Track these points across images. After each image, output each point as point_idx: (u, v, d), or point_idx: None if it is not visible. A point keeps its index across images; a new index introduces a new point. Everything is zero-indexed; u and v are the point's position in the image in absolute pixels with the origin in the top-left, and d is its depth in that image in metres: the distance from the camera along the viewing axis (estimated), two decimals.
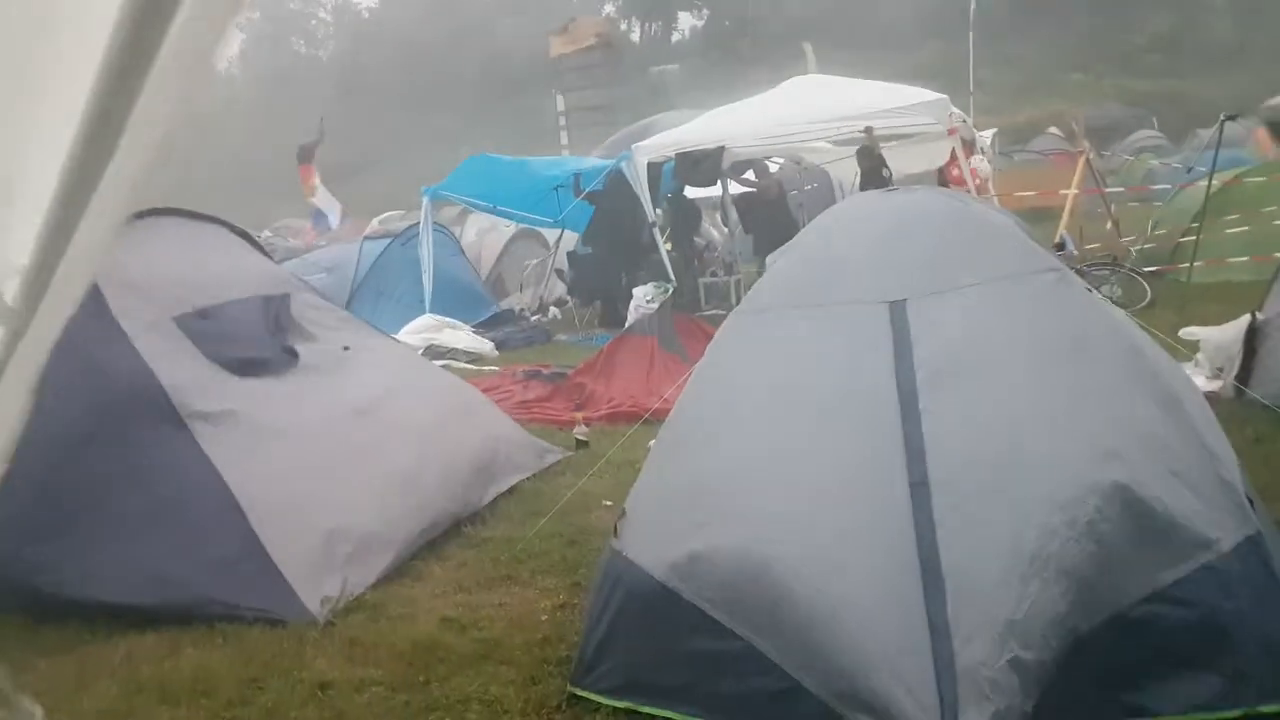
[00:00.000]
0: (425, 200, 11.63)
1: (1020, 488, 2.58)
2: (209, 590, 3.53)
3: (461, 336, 9.96)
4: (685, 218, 12.19)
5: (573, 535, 4.35)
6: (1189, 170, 11.47)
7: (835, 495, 2.69)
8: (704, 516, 2.88)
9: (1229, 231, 9.86)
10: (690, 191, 11.95)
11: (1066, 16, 39.31)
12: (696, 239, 12.81)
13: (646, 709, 2.77)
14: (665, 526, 2.97)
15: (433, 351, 9.56)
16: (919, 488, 2.60)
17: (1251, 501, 2.72)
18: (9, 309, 0.83)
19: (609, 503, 4.60)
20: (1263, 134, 15.85)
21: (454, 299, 11.15)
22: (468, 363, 9.51)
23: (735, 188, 12.04)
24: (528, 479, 5.23)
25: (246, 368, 4.24)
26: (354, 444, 4.36)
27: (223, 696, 3.03)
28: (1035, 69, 35.88)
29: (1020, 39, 37.60)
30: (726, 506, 2.84)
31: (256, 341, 4.45)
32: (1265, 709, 2.45)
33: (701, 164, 10.85)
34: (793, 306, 3.28)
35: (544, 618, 3.55)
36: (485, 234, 14.60)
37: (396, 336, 9.43)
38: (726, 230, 12.56)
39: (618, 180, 10.83)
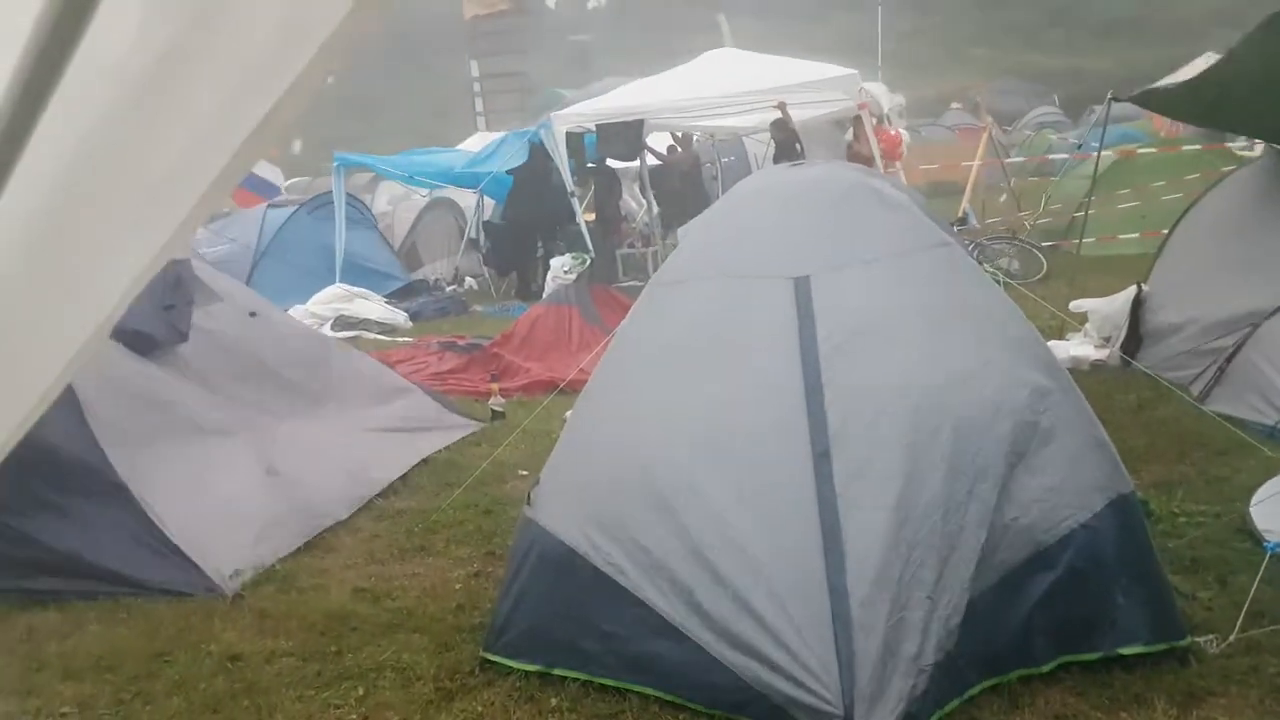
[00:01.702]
0: (337, 168, 11.35)
1: (918, 452, 2.72)
2: (112, 566, 3.45)
3: (373, 307, 9.79)
4: (606, 188, 12.19)
5: (487, 505, 4.38)
6: (1079, 146, 11.97)
7: (742, 464, 2.78)
8: (615, 484, 2.95)
9: (1120, 207, 10.36)
10: (611, 163, 11.95)
11: None
12: (617, 209, 12.82)
13: (557, 671, 2.83)
14: (578, 493, 3.04)
15: (343, 322, 9.38)
16: (822, 458, 2.70)
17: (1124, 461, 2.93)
18: None
19: (524, 472, 4.64)
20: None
21: (364, 270, 10.93)
22: (380, 334, 9.36)
23: (651, 160, 12.10)
24: (442, 450, 5.22)
25: (136, 342, 4.11)
26: (251, 420, 4.29)
27: (129, 671, 2.99)
28: (941, 44, 36.76)
29: (926, 14, 38.44)
30: (637, 473, 2.91)
31: (148, 316, 4.31)
32: (1125, 650, 2.71)
33: (622, 135, 10.85)
34: (705, 279, 3.34)
35: (458, 586, 3.59)
36: (398, 202, 14.32)
37: (304, 307, 9.27)
38: (645, 202, 12.60)
39: (536, 150, 10.76)
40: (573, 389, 4.59)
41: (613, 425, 3.15)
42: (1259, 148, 7.21)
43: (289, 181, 19.31)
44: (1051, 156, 15.41)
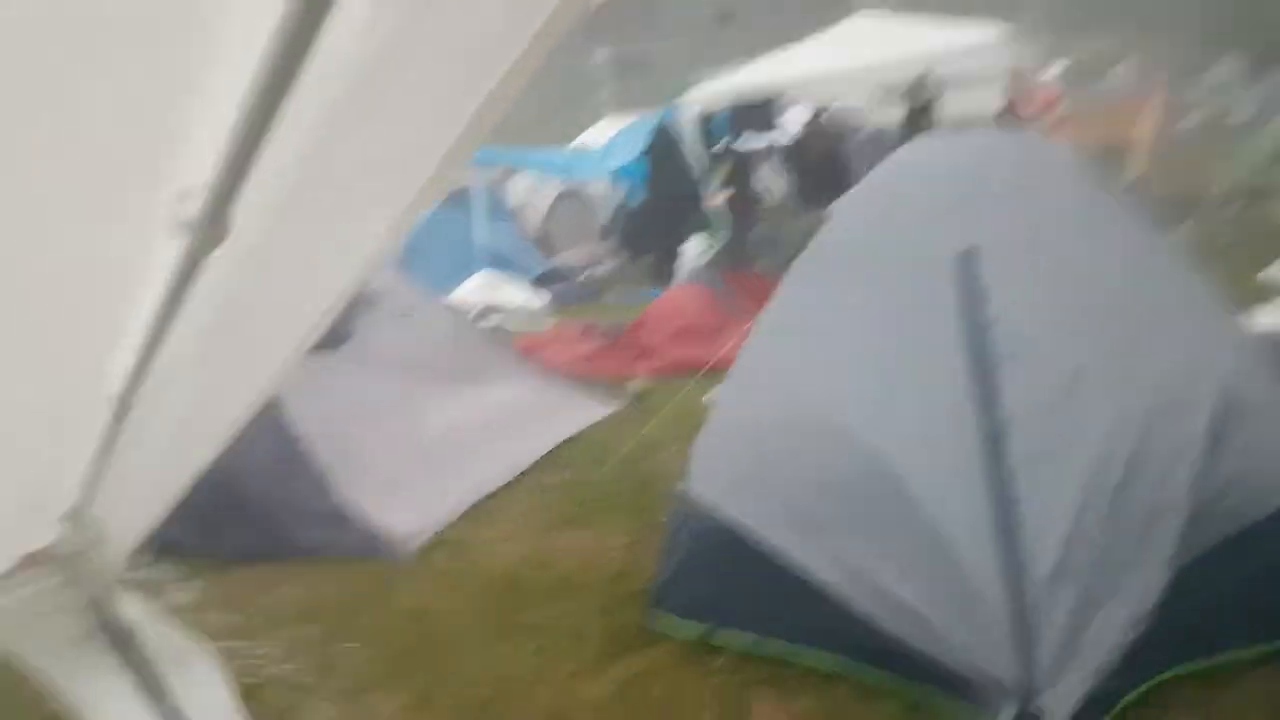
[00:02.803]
0: (473, 164, 11.89)
1: (1105, 434, 2.65)
2: (311, 538, 3.96)
3: (517, 293, 10.25)
4: (740, 169, 12.26)
5: (639, 480, 4.60)
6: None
7: (909, 444, 2.77)
8: (777, 460, 3.03)
9: None
10: (746, 141, 12.01)
11: None
12: (752, 189, 12.86)
13: (721, 634, 2.99)
14: (737, 469, 3.13)
15: (489, 309, 9.85)
16: (996, 439, 2.66)
17: None
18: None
19: (673, 448, 4.82)
20: None
21: (503, 260, 11.45)
22: (523, 321, 9.79)
23: (788, 136, 12.07)
24: (588, 430, 5.50)
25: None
26: (412, 403, 4.72)
27: (326, 621, 3.40)
28: None
29: None
30: (800, 450, 2.98)
31: None
32: None
33: (757, 115, 10.88)
34: (858, 256, 3.33)
35: (615, 556, 3.81)
36: (531, 193, 14.84)
37: (454, 295, 9.81)
38: (780, 180, 12.59)
39: (666, 134, 10.96)
40: (714, 371, 4.74)
41: (769, 404, 3.19)
42: None
43: None
44: (1232, 119, 14.45)
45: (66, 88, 0.61)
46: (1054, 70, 13.79)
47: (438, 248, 11.50)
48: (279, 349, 1.24)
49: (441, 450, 4.54)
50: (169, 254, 0.77)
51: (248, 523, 3.93)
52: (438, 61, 0.77)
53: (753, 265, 10.31)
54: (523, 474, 4.80)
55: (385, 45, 0.69)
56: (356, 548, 3.89)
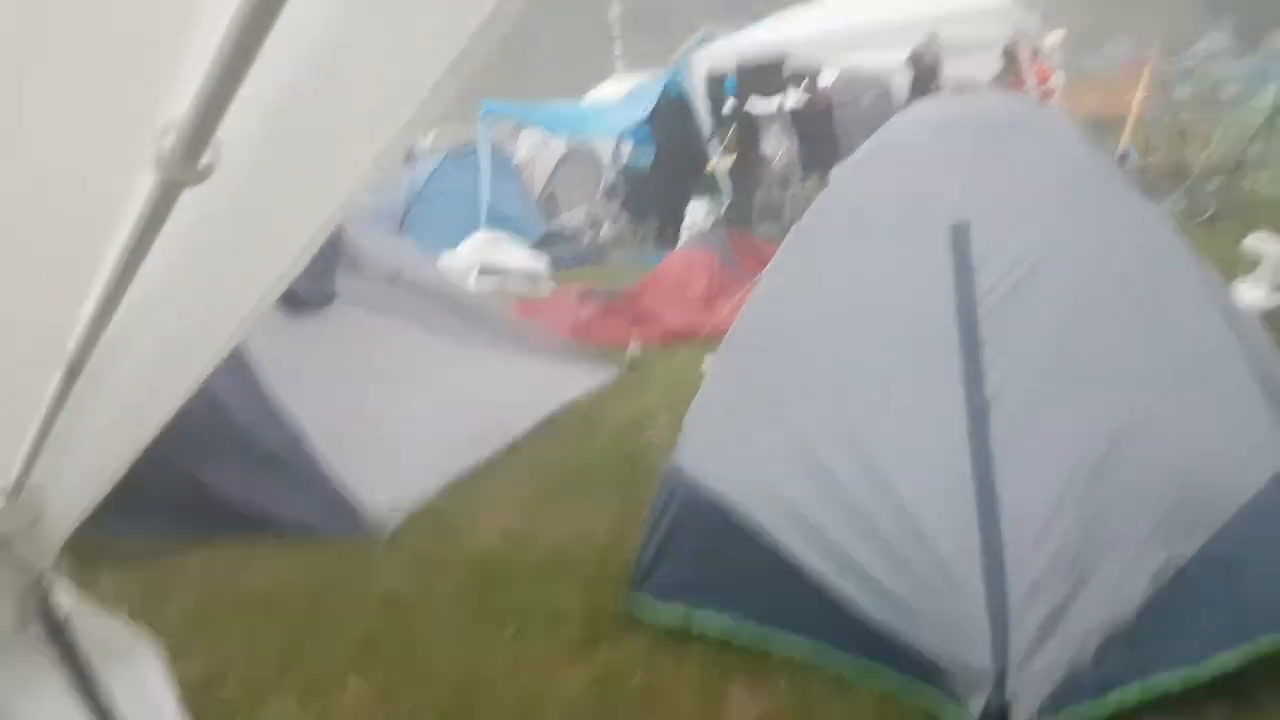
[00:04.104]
0: (484, 115, 11.53)
1: (1083, 418, 2.53)
2: (285, 512, 3.67)
3: (516, 253, 9.96)
4: (746, 132, 11.89)
5: (628, 452, 4.41)
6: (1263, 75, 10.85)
7: (894, 420, 2.67)
8: (763, 432, 2.89)
9: None
10: (754, 104, 11.63)
11: None
12: (758, 153, 12.53)
13: (700, 615, 2.83)
14: (723, 443, 2.99)
15: (487, 268, 9.59)
16: (978, 416, 2.56)
17: None
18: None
19: (665, 419, 4.64)
20: None
21: (505, 218, 11.15)
22: (521, 282, 9.55)
23: (793, 100, 11.69)
24: (582, 398, 5.29)
25: (291, 304, 4.31)
26: (401, 368, 4.47)
27: (293, 610, 3.17)
28: None
29: None
30: (785, 423, 2.85)
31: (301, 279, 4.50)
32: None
33: (763, 76, 10.50)
34: (854, 223, 3.18)
35: (602, 530, 3.63)
36: (538, 151, 14.47)
37: (452, 252, 9.54)
38: (785, 144, 12.21)
39: (673, 95, 10.60)
40: (712, 337, 4.56)
41: (760, 375, 3.07)
42: None
43: (435, 130, 19.77)
44: (1222, 89, 14.04)
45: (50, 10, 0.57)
46: (1052, 39, 13.32)
47: (442, 203, 11.23)
48: (245, 300, 1.10)
49: (426, 419, 4.24)
50: (143, 194, 0.71)
51: (210, 492, 3.64)
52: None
53: (756, 229, 10.05)
54: (512, 445, 4.59)
55: None
56: (331, 522, 3.62)
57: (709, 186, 10.38)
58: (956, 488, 2.49)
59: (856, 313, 2.95)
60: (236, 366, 3.75)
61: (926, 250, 2.89)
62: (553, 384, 5.19)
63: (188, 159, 0.64)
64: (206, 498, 3.66)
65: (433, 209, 11.19)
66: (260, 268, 1.02)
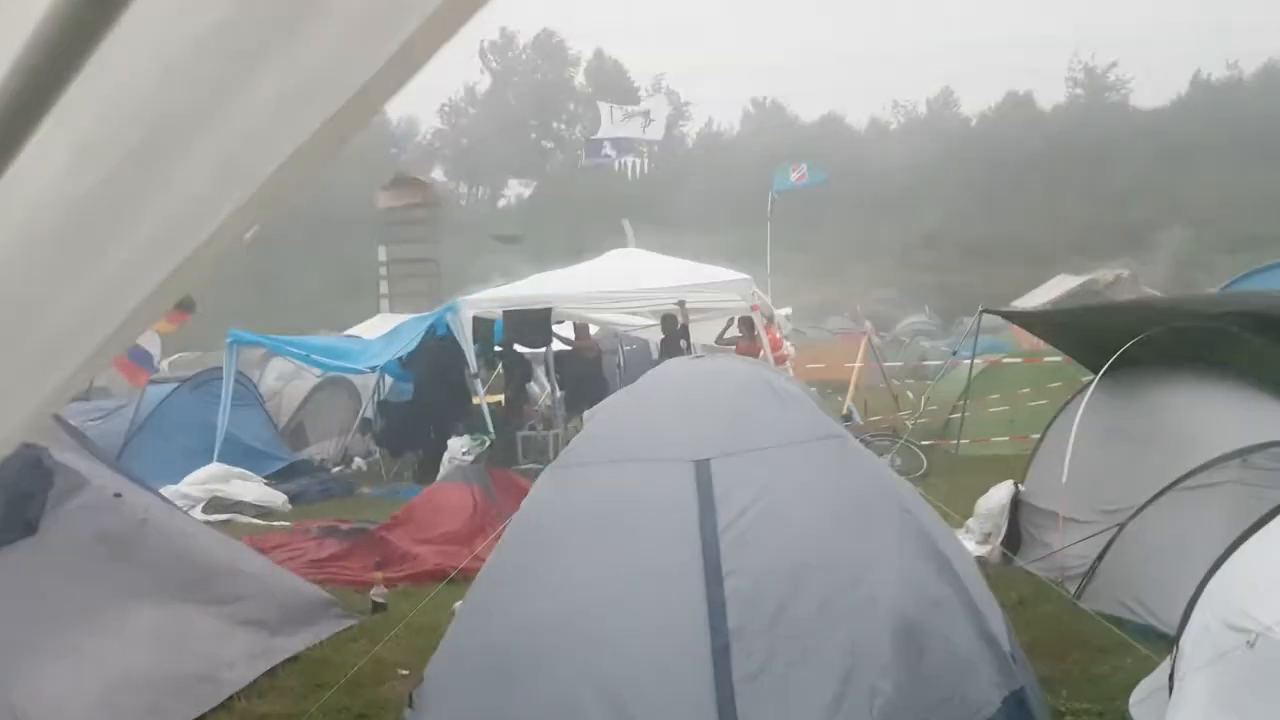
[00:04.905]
0: (230, 344, 11.10)
1: (816, 653, 2.66)
2: None
3: (251, 488, 9.32)
4: (512, 371, 12.33)
5: (362, 709, 4.03)
6: (954, 353, 12.82)
7: (641, 660, 2.68)
8: (505, 683, 2.77)
9: (991, 410, 10.99)
10: (521, 346, 12.16)
11: (851, 212, 44.19)
12: (524, 392, 12.92)
13: None
14: (467, 694, 2.84)
15: (218, 504, 8.88)
16: (721, 653, 2.63)
17: (1015, 657, 2.92)
18: None
19: (405, 671, 4.31)
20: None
21: (246, 449, 10.50)
22: (256, 517, 8.87)
23: (557, 345, 12.36)
24: (314, 647, 4.83)
25: None
26: (104, 609, 3.93)
27: None
28: (823, 258, 39.63)
29: (810, 231, 41.63)
30: (532, 673, 2.76)
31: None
32: None
33: (529, 322, 11.09)
34: (607, 462, 3.35)
35: None
36: (289, 380, 14.00)
37: (176, 487, 8.75)
38: (548, 385, 12.71)
39: (441, 333, 10.87)
40: (465, 577, 4.38)
41: (505, 618, 2.99)
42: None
43: (174, 356, 18.74)
44: (926, 362, 16.44)
45: None
46: (782, 312, 15.18)
47: (171, 433, 10.42)
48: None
49: (129, 670, 3.69)
50: None
51: None
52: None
53: (520, 466, 10.10)
54: (227, 704, 4.06)
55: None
56: None
57: (474, 423, 10.46)
58: None
59: (606, 551, 3.01)
60: None
61: (673, 486, 3.06)
62: (280, 632, 4.70)
63: None
64: None
65: (162, 438, 10.34)
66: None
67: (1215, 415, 5.40)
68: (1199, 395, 5.68)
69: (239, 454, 10.14)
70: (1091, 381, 6.40)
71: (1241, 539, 3.15)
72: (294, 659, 4.61)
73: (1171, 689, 2.99)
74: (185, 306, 16.43)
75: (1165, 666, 3.20)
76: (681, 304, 10.99)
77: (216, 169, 0.61)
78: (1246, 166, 44.12)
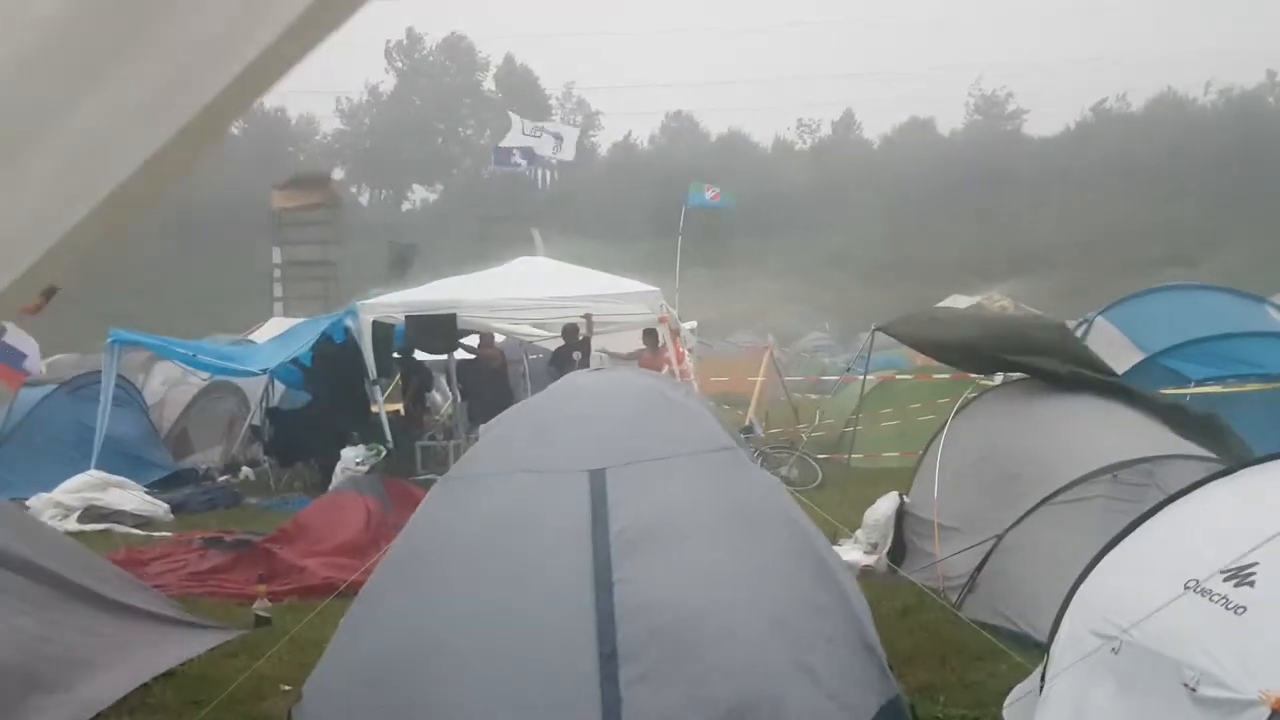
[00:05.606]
0: (110, 344, 10.58)
1: (703, 659, 2.72)
2: None
3: (130, 497, 8.89)
4: (415, 379, 12.07)
5: None
6: (848, 369, 13.22)
7: (527, 669, 2.70)
8: (390, 697, 2.74)
9: (884, 425, 11.38)
10: (421, 354, 11.91)
11: (758, 230, 45.17)
12: (423, 401, 12.67)
13: None
14: (348, 710, 2.80)
15: (94, 513, 8.44)
16: (608, 659, 2.66)
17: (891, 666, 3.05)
18: None
19: (288, 687, 4.19)
20: None
21: (126, 456, 10.03)
22: (135, 527, 8.47)
23: (460, 354, 12.20)
24: (191, 662, 4.64)
25: None
26: None
27: None
28: (729, 274, 40.30)
29: (718, 247, 42.33)
30: (414, 686, 2.74)
31: None
32: None
33: (433, 328, 10.86)
34: (501, 473, 3.35)
35: None
36: (174, 385, 13.43)
37: (49, 495, 8.30)
38: (450, 395, 12.52)
39: (336, 338, 10.59)
40: (355, 591, 4.27)
41: (389, 632, 2.96)
42: (999, 377, 8.24)
43: (52, 358, 17.75)
44: (824, 377, 16.89)
45: None
46: (687, 325, 15.37)
47: (45, 439, 9.89)
48: None
49: None
50: None
51: None
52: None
53: (418, 477, 9.92)
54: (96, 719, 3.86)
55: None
56: None
57: (372, 433, 10.22)
58: None
59: (495, 560, 3.02)
60: None
61: (567, 496, 3.09)
62: (156, 645, 4.51)
63: None
64: None
65: (35, 444, 9.81)
66: None
67: (1088, 432, 5.72)
68: (1074, 412, 6.01)
69: (119, 461, 9.68)
70: (972, 397, 6.72)
71: (1106, 550, 3.35)
72: (170, 674, 4.42)
73: (1041, 692, 3.17)
74: (47, 294, 15.49)
75: (1038, 673, 3.38)
76: (587, 316, 10.96)
77: (62, 170, 0.60)
78: (1133, 195, 46.96)
